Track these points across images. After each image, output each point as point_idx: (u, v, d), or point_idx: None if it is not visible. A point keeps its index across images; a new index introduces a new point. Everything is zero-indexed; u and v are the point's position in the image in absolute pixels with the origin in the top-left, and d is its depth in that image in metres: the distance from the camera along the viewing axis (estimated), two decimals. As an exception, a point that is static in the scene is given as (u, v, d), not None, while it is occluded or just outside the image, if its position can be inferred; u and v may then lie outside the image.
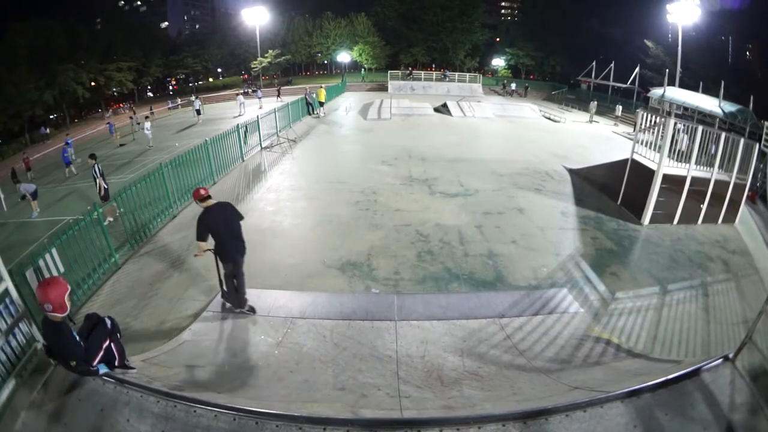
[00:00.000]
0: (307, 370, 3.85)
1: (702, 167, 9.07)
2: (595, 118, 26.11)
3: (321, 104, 22.73)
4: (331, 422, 2.58)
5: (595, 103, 26.69)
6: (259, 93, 36.85)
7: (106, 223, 6.73)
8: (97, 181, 10.00)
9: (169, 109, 40.29)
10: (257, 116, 14.56)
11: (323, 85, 26.52)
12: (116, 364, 3.34)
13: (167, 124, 30.13)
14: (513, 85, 41.86)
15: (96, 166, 9.99)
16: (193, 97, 33.03)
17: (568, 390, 3.31)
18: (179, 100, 40.61)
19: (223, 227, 4.98)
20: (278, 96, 37.13)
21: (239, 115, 26.78)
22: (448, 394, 3.42)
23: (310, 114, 21.90)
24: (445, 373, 3.83)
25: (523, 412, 2.60)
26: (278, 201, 9.50)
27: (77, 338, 3.04)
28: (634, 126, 10.07)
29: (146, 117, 26.92)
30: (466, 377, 3.77)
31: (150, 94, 55.83)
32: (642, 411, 2.65)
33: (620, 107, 26.66)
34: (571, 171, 12.31)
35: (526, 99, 36.16)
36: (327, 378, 3.72)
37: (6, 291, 3.26)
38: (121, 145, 24.57)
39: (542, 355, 4.33)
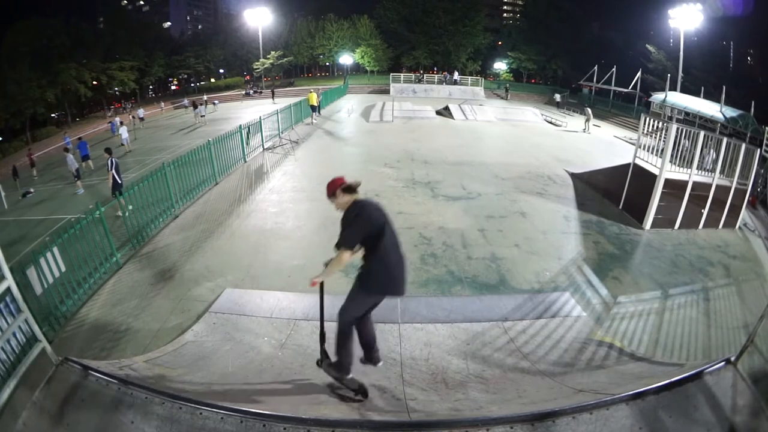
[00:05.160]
0: (311, 371, 3.84)
1: (703, 172, 9.10)
2: (596, 121, 26.16)
3: (314, 109, 21.40)
4: (340, 424, 2.57)
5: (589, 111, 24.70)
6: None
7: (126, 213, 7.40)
8: (110, 173, 10.14)
9: (176, 108, 40.35)
10: (260, 117, 14.60)
11: (313, 89, 24.98)
12: None
13: (170, 125, 30.22)
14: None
15: (110, 159, 10.16)
16: (205, 98, 31.77)
17: (573, 393, 3.32)
18: (185, 100, 40.52)
19: (390, 233, 3.23)
20: (273, 98, 37.94)
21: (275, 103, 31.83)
22: (454, 397, 3.42)
23: (315, 115, 21.70)
24: (450, 376, 3.83)
25: (530, 414, 2.61)
26: (281, 202, 9.51)
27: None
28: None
29: (121, 123, 26.61)
30: (471, 380, 3.77)
31: (152, 93, 55.88)
32: (646, 413, 2.67)
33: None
34: (573, 175, 12.33)
35: (527, 102, 36.33)
36: (332, 380, 3.72)
37: (8, 289, 3.24)
38: (122, 144, 24.58)
39: (546, 359, 4.33)
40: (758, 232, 9.63)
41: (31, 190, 17.26)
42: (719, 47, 34.33)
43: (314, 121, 21.09)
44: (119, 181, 10.11)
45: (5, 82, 34.96)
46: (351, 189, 3.33)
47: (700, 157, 8.97)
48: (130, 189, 7.70)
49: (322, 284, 3.47)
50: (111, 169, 10.02)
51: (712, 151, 9.24)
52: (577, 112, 31.79)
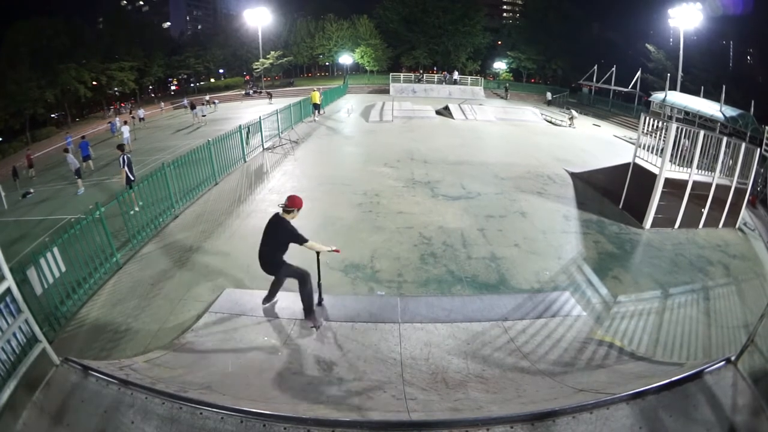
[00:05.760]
0: (311, 371, 3.85)
1: (703, 171, 9.09)
2: (596, 121, 26.14)
3: (316, 107, 22.11)
4: (340, 424, 2.57)
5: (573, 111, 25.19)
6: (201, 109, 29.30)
7: (132, 212, 7.57)
8: (123, 170, 10.26)
9: (176, 108, 40.48)
10: (259, 117, 14.60)
11: (316, 88, 25.61)
12: None
13: (170, 125, 30.19)
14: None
15: (122, 156, 10.29)
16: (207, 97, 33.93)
17: (573, 392, 3.32)
18: (185, 100, 40.54)
19: (263, 238, 5.29)
20: (270, 98, 38.24)
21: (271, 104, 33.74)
22: (454, 397, 3.42)
23: (318, 113, 22.02)
24: (450, 376, 3.83)
25: (530, 413, 2.61)
26: (280, 202, 9.48)
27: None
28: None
29: (125, 122, 26.64)
30: (471, 380, 3.77)
31: (152, 94, 55.84)
32: (647, 412, 2.67)
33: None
34: (573, 174, 12.32)
35: (526, 102, 36.39)
36: (332, 380, 3.72)
37: (8, 289, 3.24)
38: (123, 143, 24.56)
39: (546, 358, 4.33)
40: (758, 231, 9.63)
41: (31, 190, 17.24)
42: (719, 46, 34.25)
43: (316, 119, 21.69)
44: (132, 177, 10.28)
45: (5, 82, 34.93)
46: (285, 209, 5.21)
47: (716, 162, 8.95)
48: (130, 190, 7.73)
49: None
50: (123, 166, 10.19)
51: (728, 159, 9.15)
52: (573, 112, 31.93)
